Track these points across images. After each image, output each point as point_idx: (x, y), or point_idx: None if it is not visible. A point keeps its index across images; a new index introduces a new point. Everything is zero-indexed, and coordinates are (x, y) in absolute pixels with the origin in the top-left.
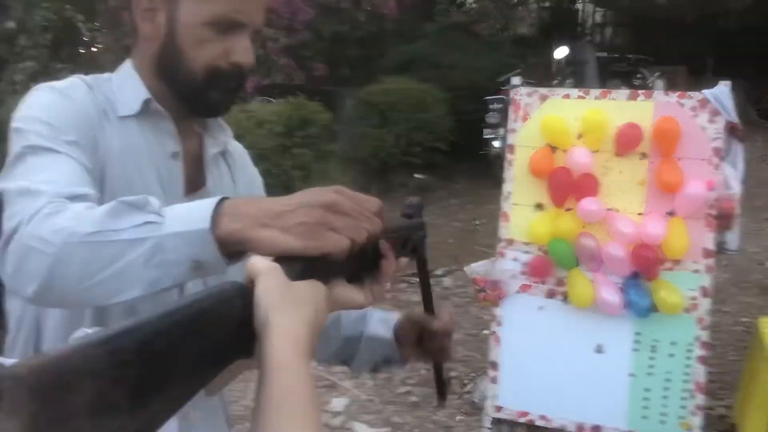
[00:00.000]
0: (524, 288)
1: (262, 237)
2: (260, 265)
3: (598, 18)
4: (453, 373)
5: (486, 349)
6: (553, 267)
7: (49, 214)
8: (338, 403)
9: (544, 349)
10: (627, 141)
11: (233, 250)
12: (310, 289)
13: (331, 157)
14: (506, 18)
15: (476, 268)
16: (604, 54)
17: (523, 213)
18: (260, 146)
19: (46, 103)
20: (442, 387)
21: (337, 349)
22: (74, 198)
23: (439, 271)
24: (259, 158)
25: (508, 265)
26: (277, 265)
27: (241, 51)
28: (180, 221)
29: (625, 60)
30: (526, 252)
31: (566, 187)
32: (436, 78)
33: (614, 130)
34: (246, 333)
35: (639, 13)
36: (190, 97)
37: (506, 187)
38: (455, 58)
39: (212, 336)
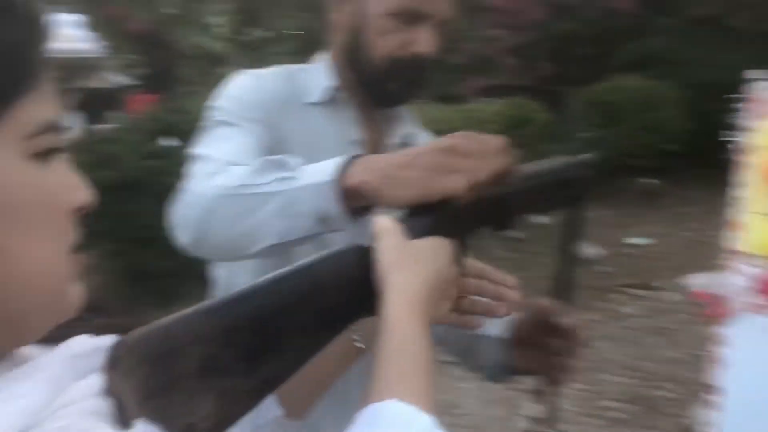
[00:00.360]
0: (756, 308)
1: (384, 187)
2: (381, 224)
3: None
4: (668, 394)
5: (707, 371)
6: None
7: (212, 174)
8: (531, 409)
9: None
10: None
11: (359, 204)
12: (432, 247)
13: (548, 157)
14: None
15: (697, 280)
16: None
17: (758, 222)
18: None
19: (240, 84)
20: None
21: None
22: (238, 166)
23: (656, 283)
24: None
25: (736, 280)
26: (397, 224)
27: (422, 41)
28: (311, 175)
29: None
30: (759, 267)
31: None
32: (673, 75)
33: None
34: (368, 292)
35: None
36: (371, 86)
37: (738, 193)
38: (697, 53)
39: (330, 298)
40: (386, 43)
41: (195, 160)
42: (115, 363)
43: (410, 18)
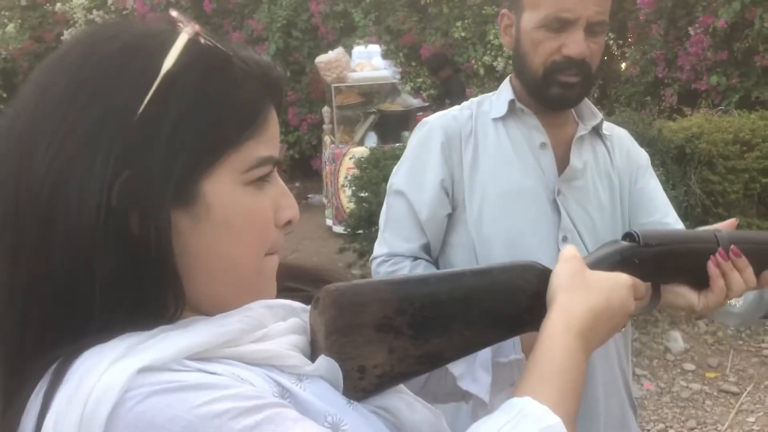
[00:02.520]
0: None
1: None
2: (567, 251)
3: None
4: None
5: None
6: None
7: (381, 263)
8: None
9: None
10: None
11: None
12: (607, 278)
13: None
14: None
15: None
16: None
17: None
18: None
19: (414, 146)
20: None
21: None
22: (399, 255)
23: None
24: None
25: None
26: (578, 254)
27: (571, 44)
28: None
29: None
30: None
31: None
32: None
33: None
34: (537, 309)
35: None
36: (535, 93)
37: None
38: None
39: (500, 303)
40: (540, 53)
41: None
42: (315, 302)
43: (558, 26)
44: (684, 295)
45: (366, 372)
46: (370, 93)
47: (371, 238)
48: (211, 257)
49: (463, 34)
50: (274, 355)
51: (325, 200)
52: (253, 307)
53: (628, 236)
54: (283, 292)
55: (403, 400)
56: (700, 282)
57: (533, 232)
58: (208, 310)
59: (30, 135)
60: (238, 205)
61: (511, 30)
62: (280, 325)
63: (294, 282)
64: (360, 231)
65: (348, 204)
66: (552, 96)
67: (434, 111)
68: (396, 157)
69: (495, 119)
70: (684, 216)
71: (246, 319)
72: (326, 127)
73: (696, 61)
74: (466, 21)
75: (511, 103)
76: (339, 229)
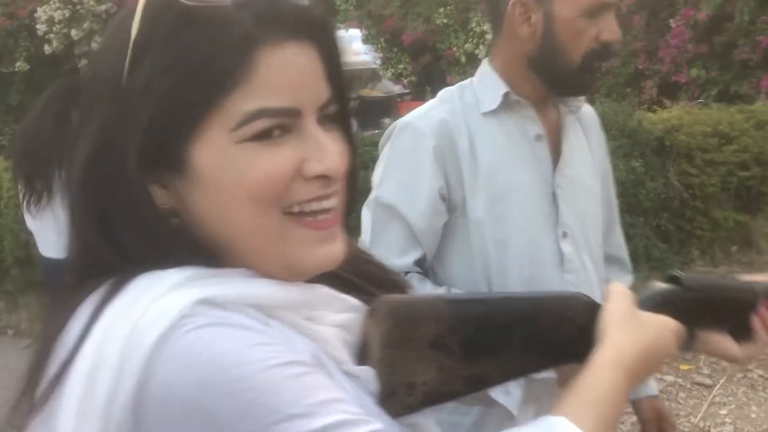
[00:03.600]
0: None
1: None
2: (616, 288)
3: None
4: None
5: None
6: None
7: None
8: None
9: None
10: None
11: None
12: (655, 320)
13: None
14: None
15: None
16: None
17: None
18: (757, 149)
19: (401, 154)
20: None
21: None
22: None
23: None
24: (754, 162)
25: None
26: (628, 292)
27: (610, 29)
28: None
29: None
30: None
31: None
32: None
33: None
34: (585, 343)
35: None
36: (567, 82)
37: None
38: None
39: (549, 331)
40: (582, 41)
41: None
42: (372, 311)
43: (598, 11)
44: (724, 343)
45: (415, 389)
46: (350, 78)
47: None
48: (217, 222)
49: (445, 21)
50: (323, 338)
51: None
52: (316, 287)
53: (672, 277)
54: (345, 286)
55: (429, 418)
56: (739, 331)
57: (535, 230)
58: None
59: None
60: (231, 165)
61: (530, 19)
62: (332, 316)
63: (360, 279)
64: None
65: None
66: (583, 83)
67: (414, 98)
68: (374, 144)
69: (485, 113)
70: (662, 208)
71: (304, 292)
72: None
73: (676, 53)
74: (448, 7)
75: (506, 95)
76: None
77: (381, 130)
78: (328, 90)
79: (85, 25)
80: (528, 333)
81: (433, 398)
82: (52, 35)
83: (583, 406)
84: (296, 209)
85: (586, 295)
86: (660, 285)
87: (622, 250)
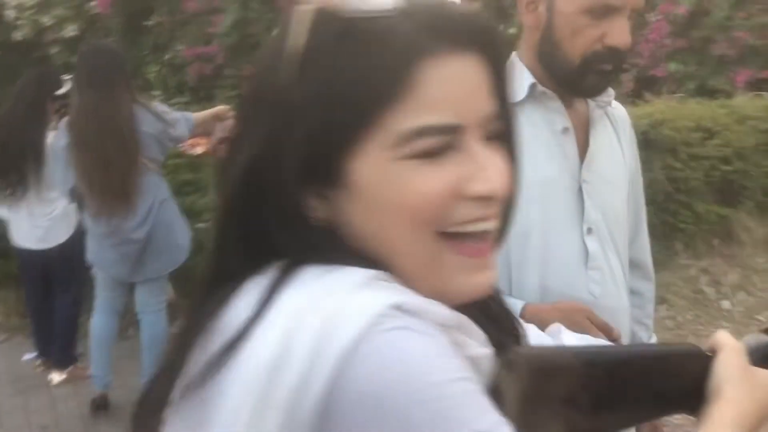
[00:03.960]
0: None
1: None
2: (727, 339)
3: None
4: None
5: None
6: None
7: None
8: None
9: None
10: None
11: None
12: (766, 380)
13: None
14: None
15: None
16: None
17: None
18: (738, 144)
19: None
20: None
21: None
22: None
23: None
24: (736, 157)
25: None
26: (740, 344)
27: (617, 34)
28: None
29: None
30: None
31: None
32: None
33: None
34: (696, 393)
35: None
36: (567, 81)
37: None
38: None
39: (667, 382)
40: (581, 41)
41: None
42: (511, 364)
43: (603, 12)
44: None
45: None
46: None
47: None
48: (374, 238)
49: None
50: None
51: None
52: (461, 315)
53: None
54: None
55: None
56: None
57: (558, 224)
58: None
59: None
60: (389, 183)
61: (536, 7)
62: (475, 347)
63: (490, 322)
64: None
65: None
66: (587, 86)
67: None
68: None
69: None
70: (648, 201)
71: (457, 316)
72: None
73: (655, 47)
74: None
75: (532, 87)
76: None
77: None
78: (492, 104)
79: (56, 11)
80: (650, 386)
81: None
82: (21, 21)
83: None
84: (453, 230)
85: (698, 347)
86: (764, 337)
87: (647, 256)
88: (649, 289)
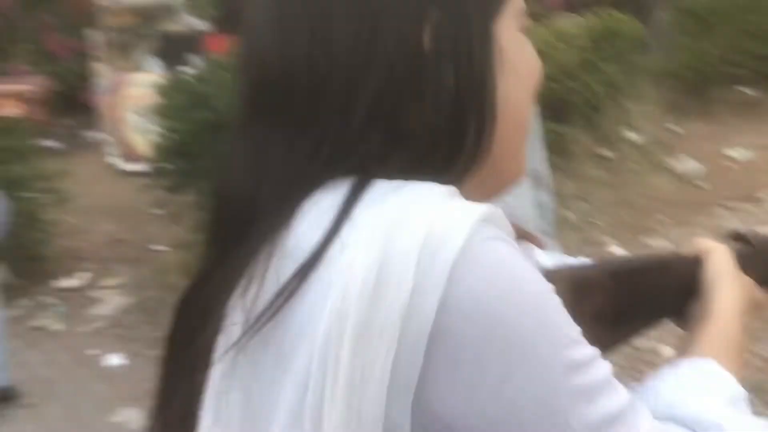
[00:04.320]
0: None
1: None
2: (714, 244)
3: None
4: None
5: None
6: None
7: None
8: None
9: None
10: None
11: None
12: (750, 284)
13: (640, 72)
14: None
15: None
16: None
17: None
18: (564, 62)
19: None
20: None
21: None
22: None
23: (760, 195)
24: (563, 75)
25: None
26: (728, 249)
27: None
28: None
29: None
30: None
31: None
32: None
33: None
34: (686, 297)
35: None
36: None
37: None
38: None
39: (668, 288)
40: None
41: None
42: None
43: None
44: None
45: None
46: (147, 13)
47: (184, 173)
48: (506, 105)
49: None
50: None
51: (106, 136)
52: None
53: (738, 235)
54: None
55: None
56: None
57: None
58: (486, 178)
59: None
60: (521, 50)
61: None
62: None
63: None
64: (168, 165)
65: (138, 137)
66: None
67: (221, 32)
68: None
69: None
70: None
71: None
72: (96, 53)
73: None
74: None
75: None
76: (132, 167)
77: (187, 67)
78: None
79: None
80: (656, 293)
81: None
82: None
83: (723, 350)
84: None
85: (688, 253)
86: (731, 243)
87: (545, 167)
88: (549, 200)
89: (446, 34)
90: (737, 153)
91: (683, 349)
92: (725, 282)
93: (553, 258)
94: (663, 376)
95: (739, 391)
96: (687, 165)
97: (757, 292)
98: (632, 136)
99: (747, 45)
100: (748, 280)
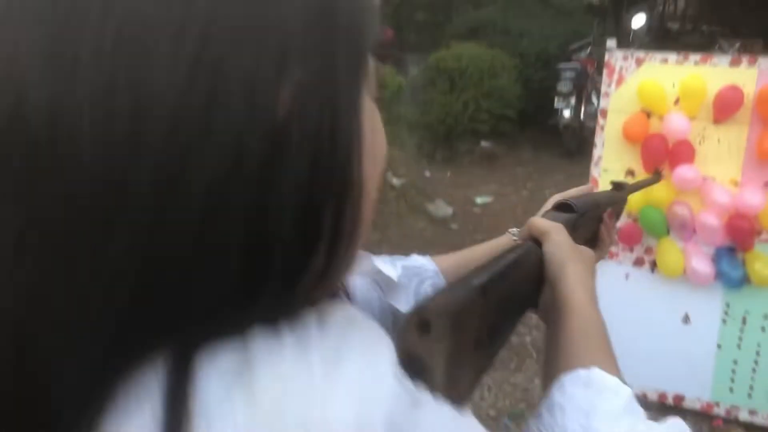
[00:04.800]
0: (610, 255)
1: None
2: (547, 224)
3: None
4: (529, 338)
5: None
6: (642, 235)
7: None
8: None
9: (629, 317)
10: (726, 106)
11: None
12: (587, 251)
13: (400, 121)
14: None
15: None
16: (676, 25)
17: (613, 179)
18: None
19: None
20: None
21: None
22: None
23: None
24: None
25: None
26: (561, 225)
27: None
28: None
29: (699, 32)
30: None
31: (661, 153)
32: (506, 44)
33: (713, 97)
34: (538, 286)
35: None
36: None
37: (596, 153)
38: (526, 24)
39: (523, 284)
40: None
41: None
42: (423, 325)
43: None
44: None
45: (461, 401)
46: None
47: None
48: (367, 196)
49: None
50: None
51: None
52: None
53: (563, 205)
54: None
55: None
56: (589, 241)
57: None
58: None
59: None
60: (376, 122)
61: None
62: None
63: None
64: None
65: None
66: None
67: None
68: None
69: None
70: None
71: None
72: None
73: None
74: None
75: None
76: None
77: None
78: None
79: None
80: (517, 295)
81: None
82: None
83: (599, 351)
84: None
85: (525, 242)
86: (558, 214)
87: None
88: None
89: (309, 99)
90: (480, 198)
91: (552, 351)
92: (569, 266)
93: (391, 264)
94: (557, 404)
95: (628, 392)
96: (440, 208)
97: (591, 255)
98: (393, 180)
99: (487, 104)
100: (585, 251)
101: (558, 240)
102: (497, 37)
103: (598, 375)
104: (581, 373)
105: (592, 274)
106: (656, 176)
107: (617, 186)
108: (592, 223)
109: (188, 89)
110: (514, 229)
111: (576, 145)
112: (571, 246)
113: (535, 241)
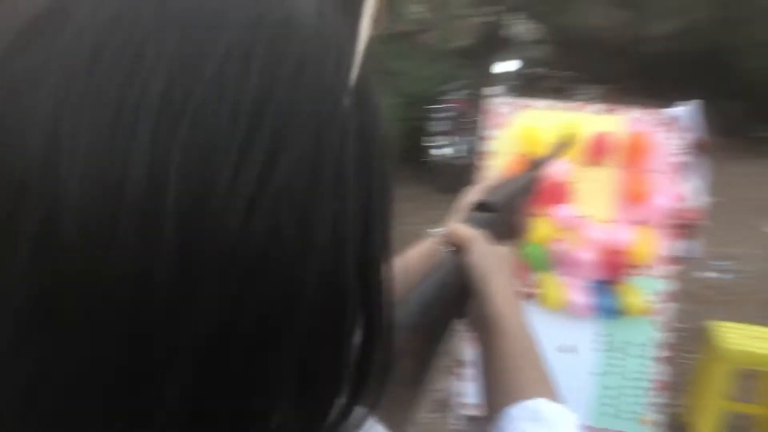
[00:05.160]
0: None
1: None
2: (464, 231)
3: (528, 35)
4: None
5: (457, 346)
6: (527, 270)
7: None
8: None
9: None
10: (599, 151)
11: None
12: (507, 252)
13: None
14: (446, 30)
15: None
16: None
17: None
18: None
19: None
20: None
21: None
22: None
23: None
24: None
25: None
26: (481, 233)
27: None
28: None
29: (554, 77)
30: None
31: (542, 194)
32: (383, 85)
33: (588, 142)
34: (464, 299)
35: (570, 33)
36: None
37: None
38: (402, 65)
39: (451, 299)
40: None
41: None
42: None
43: None
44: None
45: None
46: None
47: None
48: None
49: None
50: None
51: None
52: None
53: (482, 205)
54: None
55: None
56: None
57: None
58: None
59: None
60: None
61: None
62: None
63: None
64: None
65: None
66: None
67: None
68: None
69: None
70: None
71: None
72: None
73: None
74: None
75: None
76: None
77: None
78: None
79: None
80: (444, 316)
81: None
82: None
83: (540, 378)
84: None
85: (451, 254)
86: (479, 215)
87: None
88: None
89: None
90: None
91: (491, 376)
92: (493, 280)
93: None
94: None
95: (574, 418)
96: None
97: (509, 253)
98: None
99: None
100: (504, 254)
101: (479, 250)
102: (374, 77)
103: (544, 406)
104: (528, 404)
105: (514, 281)
106: (567, 140)
107: (532, 165)
108: (510, 216)
109: (246, 225)
110: (435, 230)
111: (448, 182)
112: (492, 254)
113: (458, 247)
